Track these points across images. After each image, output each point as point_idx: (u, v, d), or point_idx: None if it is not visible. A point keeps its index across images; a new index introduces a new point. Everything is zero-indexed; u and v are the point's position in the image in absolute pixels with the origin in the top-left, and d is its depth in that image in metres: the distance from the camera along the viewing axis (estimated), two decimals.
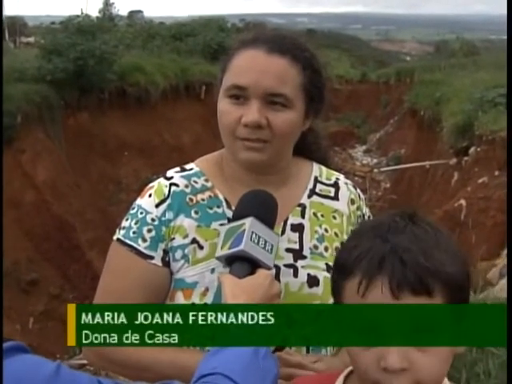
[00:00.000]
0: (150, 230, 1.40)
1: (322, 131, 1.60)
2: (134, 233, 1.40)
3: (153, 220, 1.40)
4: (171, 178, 1.45)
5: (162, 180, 1.45)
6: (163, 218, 1.40)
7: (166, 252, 1.40)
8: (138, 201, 1.44)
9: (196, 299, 1.37)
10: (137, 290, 1.39)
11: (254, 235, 1.25)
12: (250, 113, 1.32)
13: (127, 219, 1.43)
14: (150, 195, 1.42)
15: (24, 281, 13.43)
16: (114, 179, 18.81)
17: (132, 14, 51.56)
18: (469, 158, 12.34)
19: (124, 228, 1.42)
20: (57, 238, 14.70)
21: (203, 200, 1.42)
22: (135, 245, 1.40)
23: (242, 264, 1.25)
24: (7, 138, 14.28)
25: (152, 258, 1.39)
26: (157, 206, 1.41)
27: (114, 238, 1.44)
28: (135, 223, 1.41)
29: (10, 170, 14.31)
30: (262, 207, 1.32)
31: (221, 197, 1.43)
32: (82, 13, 19.75)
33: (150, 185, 1.46)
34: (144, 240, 1.39)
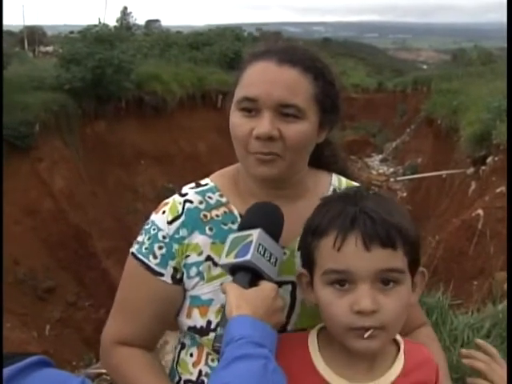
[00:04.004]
0: (160, 248, 1.40)
1: (338, 142, 1.58)
2: (146, 249, 1.41)
3: (164, 237, 1.40)
4: (186, 194, 1.43)
5: (176, 197, 1.44)
6: (176, 236, 1.39)
7: (176, 270, 1.40)
8: (153, 216, 1.43)
9: (212, 316, 1.37)
10: (147, 304, 1.41)
11: (260, 247, 1.24)
12: (261, 125, 1.29)
13: (142, 234, 1.44)
14: (163, 212, 1.42)
15: (40, 288, 13.50)
16: (130, 188, 18.89)
17: (149, 23, 52.00)
18: (486, 167, 12.25)
19: (138, 243, 1.43)
20: (73, 246, 14.77)
21: (218, 216, 1.41)
22: (146, 261, 1.40)
23: (246, 274, 1.24)
24: (25, 147, 14.41)
25: (162, 275, 1.39)
26: (169, 223, 1.40)
27: (130, 250, 1.45)
28: (148, 239, 1.41)
29: (28, 178, 14.43)
30: (269, 220, 1.30)
31: (236, 212, 1.41)
32: (99, 22, 19.92)
33: (166, 201, 1.45)
34: (155, 257, 1.40)
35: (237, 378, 1.05)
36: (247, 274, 1.24)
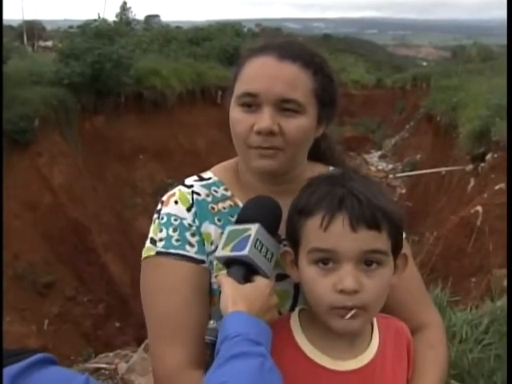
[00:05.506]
0: (193, 235, 1.35)
1: (334, 136, 1.59)
2: (177, 240, 1.34)
3: (190, 225, 1.36)
4: (191, 186, 1.42)
5: (182, 188, 1.41)
6: (196, 224, 1.37)
7: (208, 255, 1.36)
8: (165, 210, 1.38)
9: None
10: (198, 298, 1.33)
11: (258, 242, 1.24)
12: (262, 120, 1.29)
13: (160, 230, 1.36)
14: (175, 202, 1.38)
15: (40, 283, 13.52)
16: (129, 182, 18.89)
17: (149, 18, 51.96)
18: (485, 164, 12.26)
19: (161, 239, 1.35)
20: (72, 240, 14.78)
21: (224, 208, 1.40)
22: (183, 252, 1.33)
23: (241, 268, 1.24)
24: (25, 141, 14.42)
25: (203, 262, 1.35)
26: (187, 211, 1.37)
27: (151, 253, 1.35)
28: (173, 231, 1.35)
29: (28, 173, 14.44)
30: (267, 214, 1.30)
31: (241, 205, 1.40)
32: (99, 17, 19.94)
33: (170, 193, 1.41)
34: (191, 245, 1.34)
35: (234, 377, 1.04)
36: (242, 268, 1.24)
